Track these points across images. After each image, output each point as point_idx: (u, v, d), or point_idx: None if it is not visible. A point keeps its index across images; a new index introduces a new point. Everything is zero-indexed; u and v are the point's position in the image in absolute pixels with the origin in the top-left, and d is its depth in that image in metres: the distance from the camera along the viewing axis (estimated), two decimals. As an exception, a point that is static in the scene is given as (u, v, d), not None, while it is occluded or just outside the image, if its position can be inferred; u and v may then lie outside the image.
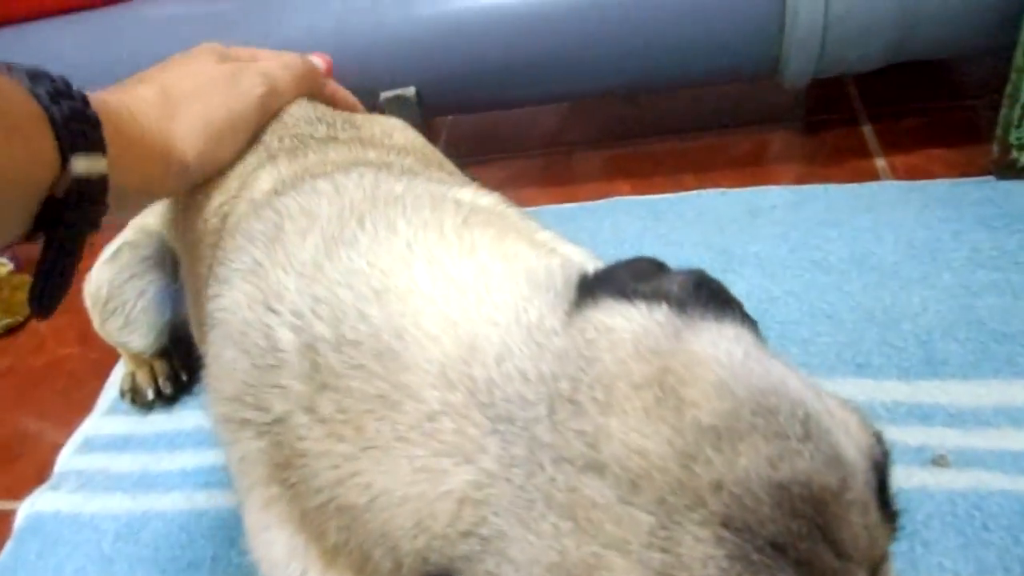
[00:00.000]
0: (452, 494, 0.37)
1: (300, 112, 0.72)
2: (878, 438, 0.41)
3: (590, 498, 0.35)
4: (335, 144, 0.69)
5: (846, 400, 0.41)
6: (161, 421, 0.92)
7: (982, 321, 0.77)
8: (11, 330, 1.18)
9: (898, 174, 1.03)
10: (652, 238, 1.00)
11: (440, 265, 0.47)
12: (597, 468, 0.35)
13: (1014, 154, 0.91)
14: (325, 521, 0.44)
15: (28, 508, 0.84)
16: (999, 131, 0.92)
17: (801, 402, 0.37)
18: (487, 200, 0.63)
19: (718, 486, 0.34)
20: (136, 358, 0.92)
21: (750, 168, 1.13)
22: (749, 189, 1.04)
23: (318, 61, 0.76)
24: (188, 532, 0.77)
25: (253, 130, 0.65)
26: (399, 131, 0.81)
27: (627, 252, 0.46)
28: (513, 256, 0.50)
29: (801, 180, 1.05)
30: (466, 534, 0.37)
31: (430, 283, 0.45)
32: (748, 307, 0.85)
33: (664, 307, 0.41)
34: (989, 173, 0.95)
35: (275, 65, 0.68)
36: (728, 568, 0.33)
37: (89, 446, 0.91)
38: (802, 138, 1.18)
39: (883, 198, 0.95)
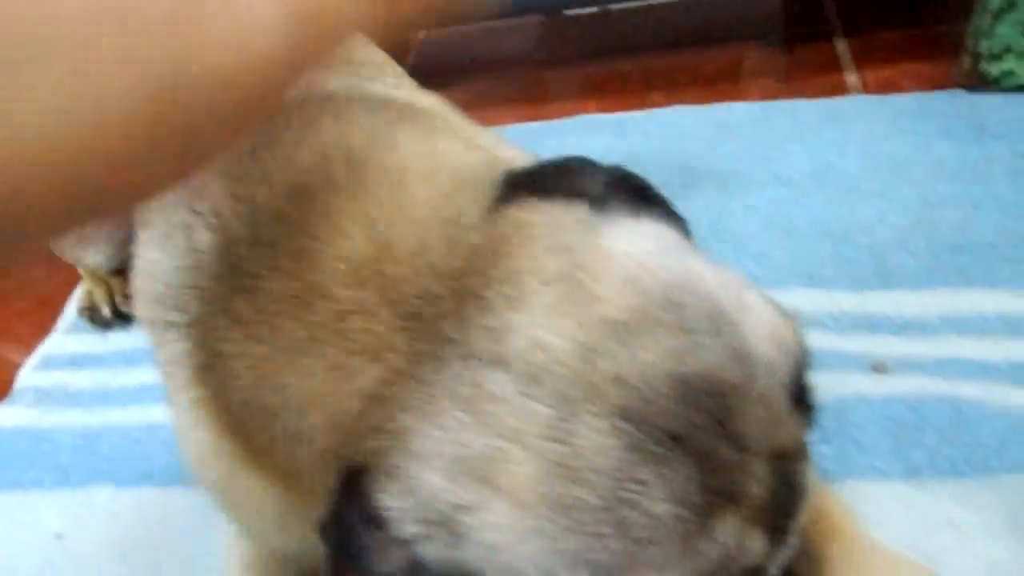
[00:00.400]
0: (362, 392, 0.38)
1: None
2: (800, 339, 0.41)
3: (492, 392, 0.35)
4: None
5: (780, 305, 0.41)
6: (120, 339, 0.92)
7: (938, 233, 0.76)
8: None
9: (869, 89, 1.00)
10: (616, 155, 0.97)
11: (359, 163, 0.45)
12: (501, 363, 0.35)
13: (983, 65, 0.89)
14: (248, 421, 0.44)
15: (-12, 423, 0.85)
16: (969, 41, 0.89)
17: (713, 298, 0.37)
18: (426, 100, 0.62)
19: (618, 379, 0.34)
20: (93, 275, 0.92)
21: (722, 85, 1.10)
22: (716, 105, 1.01)
23: None
24: (143, 445, 0.78)
25: None
26: (359, 49, 0.79)
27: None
28: (441, 154, 0.49)
29: (771, 96, 1.03)
30: (375, 429, 0.37)
31: (347, 181, 0.44)
32: (705, 222, 0.84)
33: (582, 204, 0.41)
34: (960, 86, 0.93)
35: None
36: (624, 458, 0.33)
37: (48, 364, 0.91)
38: (776, 54, 1.15)
39: (851, 112, 0.93)
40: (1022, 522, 0.54)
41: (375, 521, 0.36)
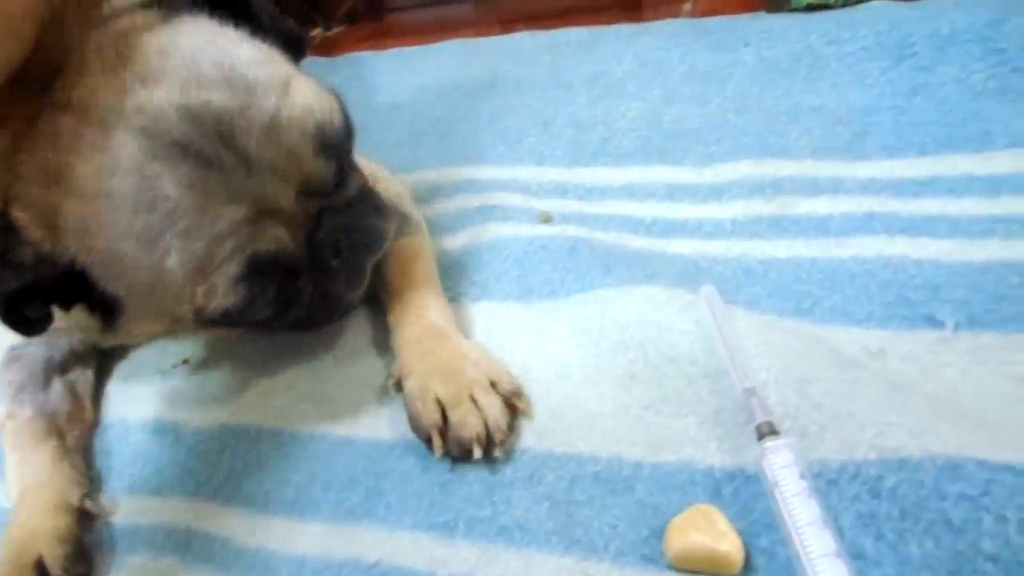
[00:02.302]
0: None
1: None
2: (341, 112, 0.56)
3: (63, 127, 0.51)
4: None
5: (325, 90, 0.57)
6: None
7: (660, 124, 0.84)
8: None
9: (694, 13, 1.07)
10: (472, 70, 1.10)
11: None
12: (69, 109, 0.52)
13: (776, -14, 0.95)
14: None
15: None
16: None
17: (231, 62, 0.53)
18: None
19: (139, 108, 0.50)
20: None
21: (580, 15, 1.20)
22: (557, 30, 1.12)
23: None
24: None
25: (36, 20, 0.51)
26: None
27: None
28: None
29: (616, 21, 1.12)
30: (9, 172, 0.53)
31: None
32: (487, 120, 0.97)
33: (157, 8, 0.56)
34: (765, 9, 0.99)
35: None
36: (144, 160, 0.50)
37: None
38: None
39: (658, 32, 1.01)
40: (582, 327, 0.64)
41: (9, 229, 0.53)
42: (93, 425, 0.73)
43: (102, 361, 0.78)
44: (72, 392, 0.74)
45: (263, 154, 0.52)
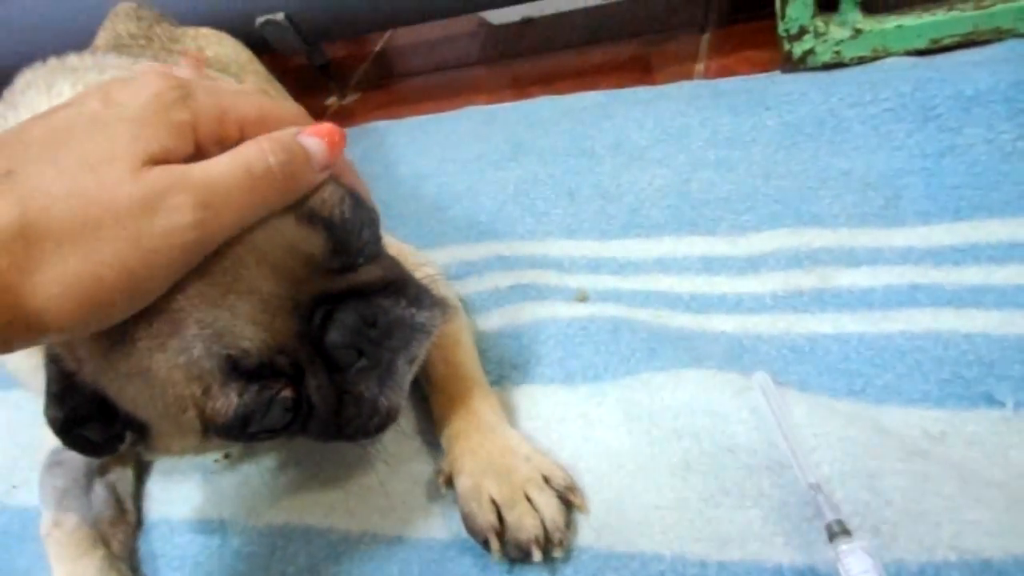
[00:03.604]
0: None
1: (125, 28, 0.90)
2: (351, 197, 0.52)
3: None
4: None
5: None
6: None
7: (688, 192, 0.85)
8: None
9: (708, 75, 1.08)
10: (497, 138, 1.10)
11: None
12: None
13: (787, 46, 0.96)
14: None
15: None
16: (778, 26, 0.96)
17: None
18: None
19: None
20: None
21: (591, 77, 1.22)
22: (574, 95, 1.13)
23: (317, 145, 0.48)
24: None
25: (166, 286, 0.44)
26: (214, 45, 0.98)
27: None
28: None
29: (629, 85, 1.13)
30: None
31: None
32: (513, 188, 0.97)
33: None
34: (781, 69, 1.00)
35: (233, 155, 0.45)
36: None
37: None
38: (646, 49, 1.24)
39: (672, 95, 1.02)
40: (631, 413, 0.63)
41: (54, 361, 0.52)
42: (136, 527, 0.72)
43: (140, 458, 0.78)
44: (114, 494, 0.73)
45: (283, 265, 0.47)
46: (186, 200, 0.41)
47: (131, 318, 0.44)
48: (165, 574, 0.68)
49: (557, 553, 0.55)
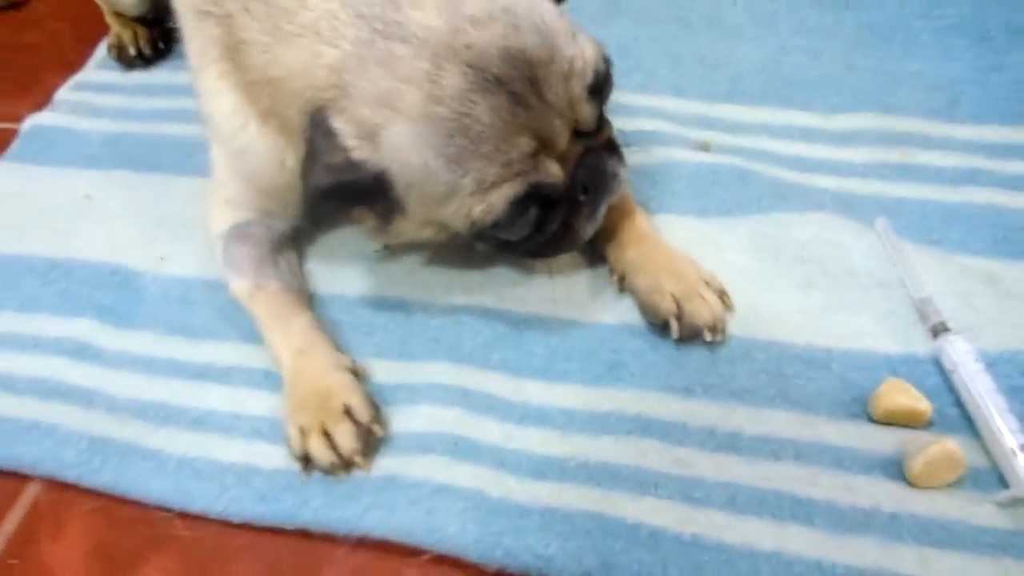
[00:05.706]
0: (326, 65, 0.61)
1: None
2: (607, 61, 0.65)
3: (398, 55, 0.59)
4: None
5: (596, 41, 0.66)
6: (139, 76, 1.14)
7: (781, 70, 0.99)
8: (12, 5, 1.35)
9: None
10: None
11: None
12: (404, 38, 0.58)
13: (864, -46, 1.09)
14: (260, 90, 0.67)
15: (31, 121, 1.07)
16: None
17: (540, 13, 0.61)
18: None
19: (468, 45, 0.58)
20: (121, 19, 1.12)
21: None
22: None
23: None
24: (155, 146, 1.01)
25: None
26: None
27: None
28: None
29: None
30: (332, 86, 0.60)
31: None
32: (617, 48, 1.07)
33: None
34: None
35: None
36: (466, 89, 0.58)
37: (80, 87, 1.13)
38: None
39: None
40: (760, 243, 0.80)
41: (329, 135, 0.60)
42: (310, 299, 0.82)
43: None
44: (293, 268, 0.82)
45: (556, 96, 0.61)
46: None
47: (462, 136, 0.58)
48: (355, 338, 0.79)
49: (719, 337, 0.72)
